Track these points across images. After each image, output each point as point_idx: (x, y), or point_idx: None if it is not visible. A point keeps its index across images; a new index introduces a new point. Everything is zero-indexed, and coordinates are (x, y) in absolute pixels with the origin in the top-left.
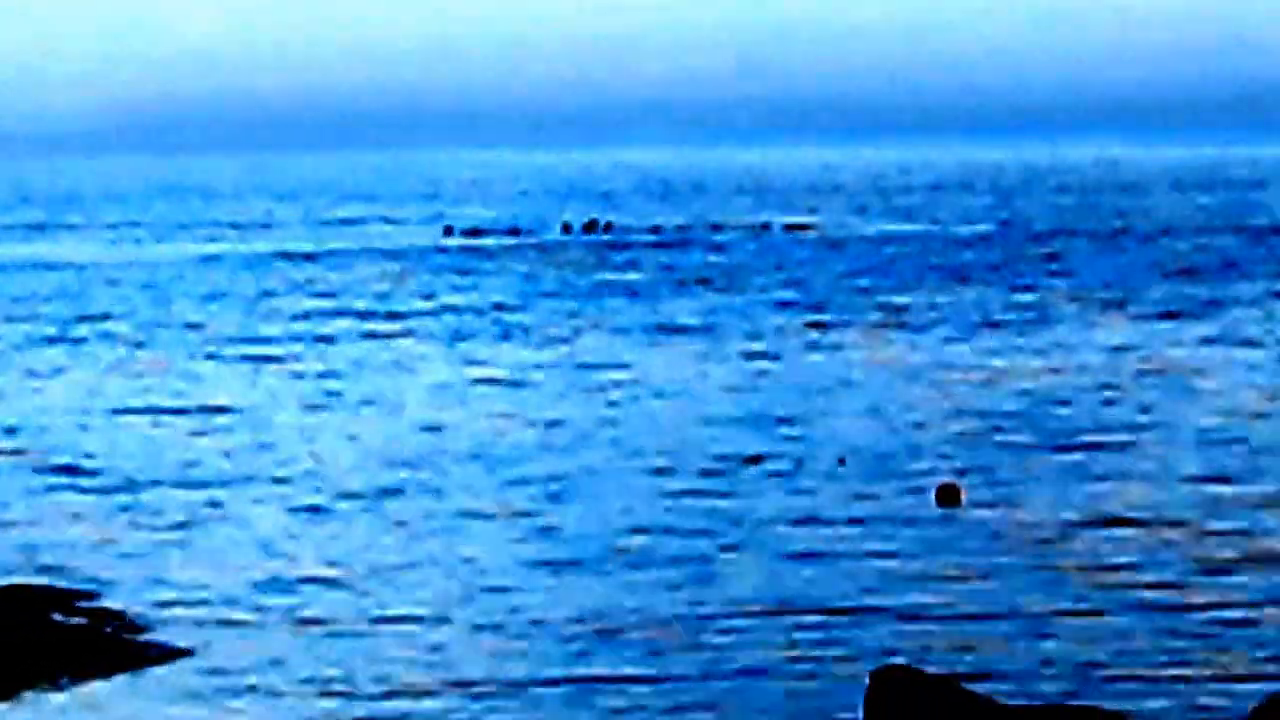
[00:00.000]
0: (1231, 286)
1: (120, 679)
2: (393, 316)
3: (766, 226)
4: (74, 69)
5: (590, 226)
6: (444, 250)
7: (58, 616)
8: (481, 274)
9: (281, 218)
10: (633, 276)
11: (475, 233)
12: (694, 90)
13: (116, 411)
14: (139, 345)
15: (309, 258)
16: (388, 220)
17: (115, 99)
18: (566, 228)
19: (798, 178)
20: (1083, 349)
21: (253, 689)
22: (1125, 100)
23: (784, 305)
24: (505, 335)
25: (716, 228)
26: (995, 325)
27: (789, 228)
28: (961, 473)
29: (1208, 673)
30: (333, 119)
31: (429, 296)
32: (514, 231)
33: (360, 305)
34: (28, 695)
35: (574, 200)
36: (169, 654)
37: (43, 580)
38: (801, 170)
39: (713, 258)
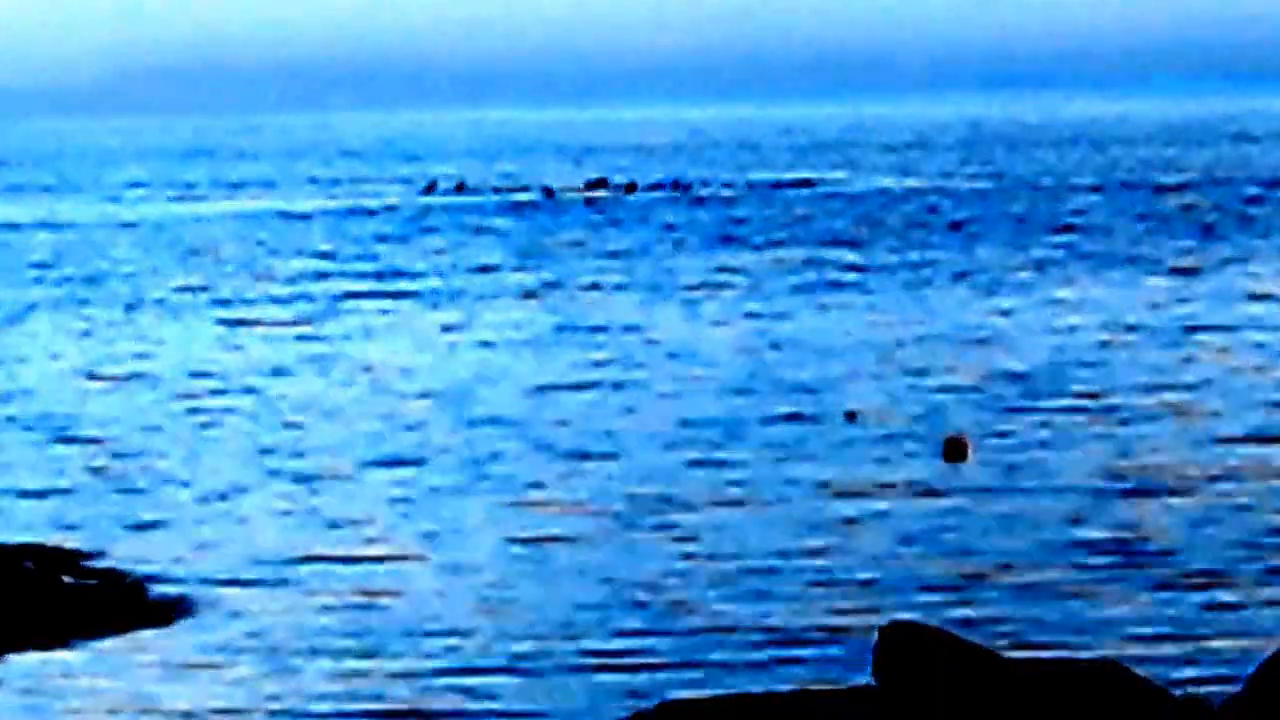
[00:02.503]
0: (1241, 240)
1: (129, 639)
2: (385, 276)
3: (777, 185)
4: (62, 29)
5: (591, 184)
6: (431, 209)
7: (68, 578)
8: (472, 232)
9: (269, 177)
10: (631, 235)
11: (461, 188)
12: (679, 49)
13: (116, 378)
14: (134, 308)
15: (299, 217)
16: (373, 179)
17: (100, 59)
18: (584, 187)
19: (780, 135)
20: (1097, 306)
21: (257, 650)
22: (1098, 52)
23: (786, 262)
24: (500, 295)
25: (716, 184)
26: (1005, 282)
27: (784, 184)
28: (971, 435)
29: (1219, 631)
30: (315, 78)
31: (422, 256)
32: (505, 189)
33: (352, 266)
34: (38, 654)
35: (566, 158)
36: (177, 614)
37: (52, 541)
38: (782, 127)
39: (711, 215)
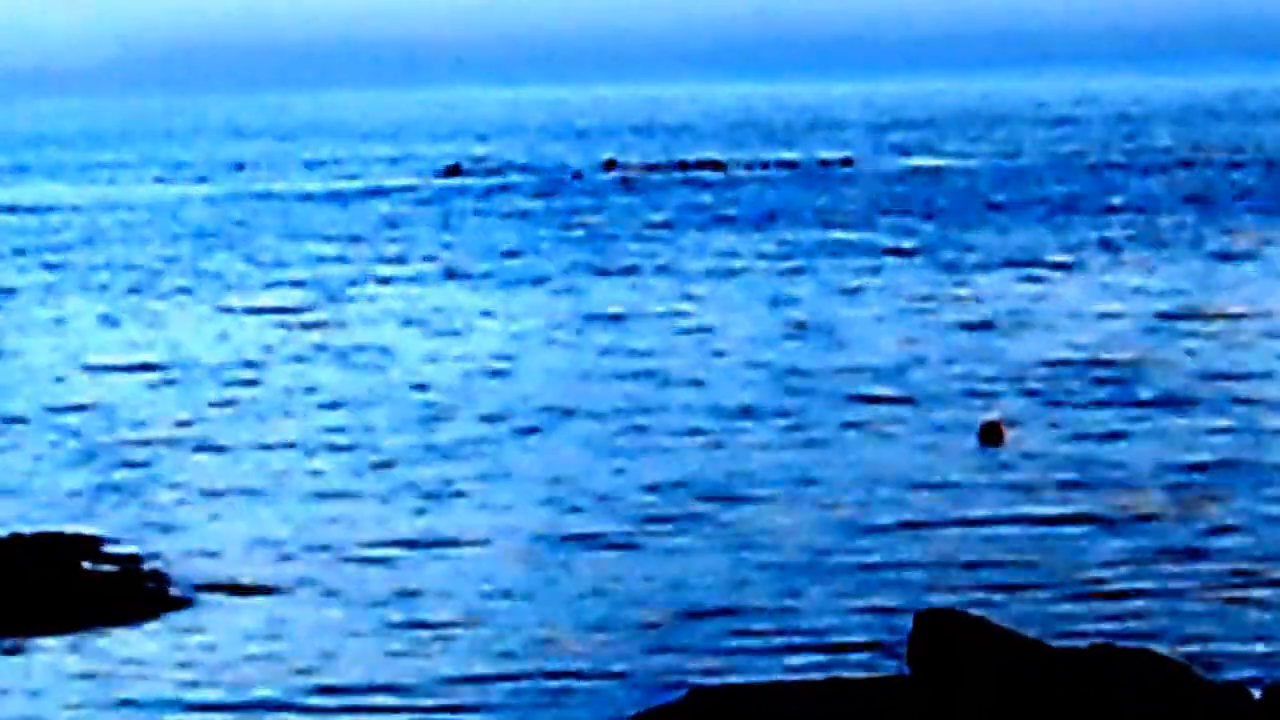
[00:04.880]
0: None
1: (148, 624)
2: (404, 261)
3: (816, 163)
4: (66, 9)
5: (610, 165)
6: (449, 190)
7: (87, 564)
8: (495, 214)
9: (277, 157)
10: (655, 217)
11: (487, 172)
12: (695, 24)
13: (133, 368)
14: (149, 294)
15: (310, 199)
16: (385, 160)
17: (105, 38)
18: (601, 168)
19: (799, 113)
20: (1147, 291)
21: (275, 635)
22: (1112, 27)
23: (823, 244)
24: (527, 280)
25: (746, 165)
26: (1048, 264)
27: (814, 163)
28: (1013, 421)
29: (1260, 621)
30: (325, 56)
31: (441, 239)
32: (526, 170)
33: (370, 250)
34: (58, 640)
35: (582, 138)
36: (196, 600)
37: (72, 529)
38: (796, 105)
39: (743, 195)
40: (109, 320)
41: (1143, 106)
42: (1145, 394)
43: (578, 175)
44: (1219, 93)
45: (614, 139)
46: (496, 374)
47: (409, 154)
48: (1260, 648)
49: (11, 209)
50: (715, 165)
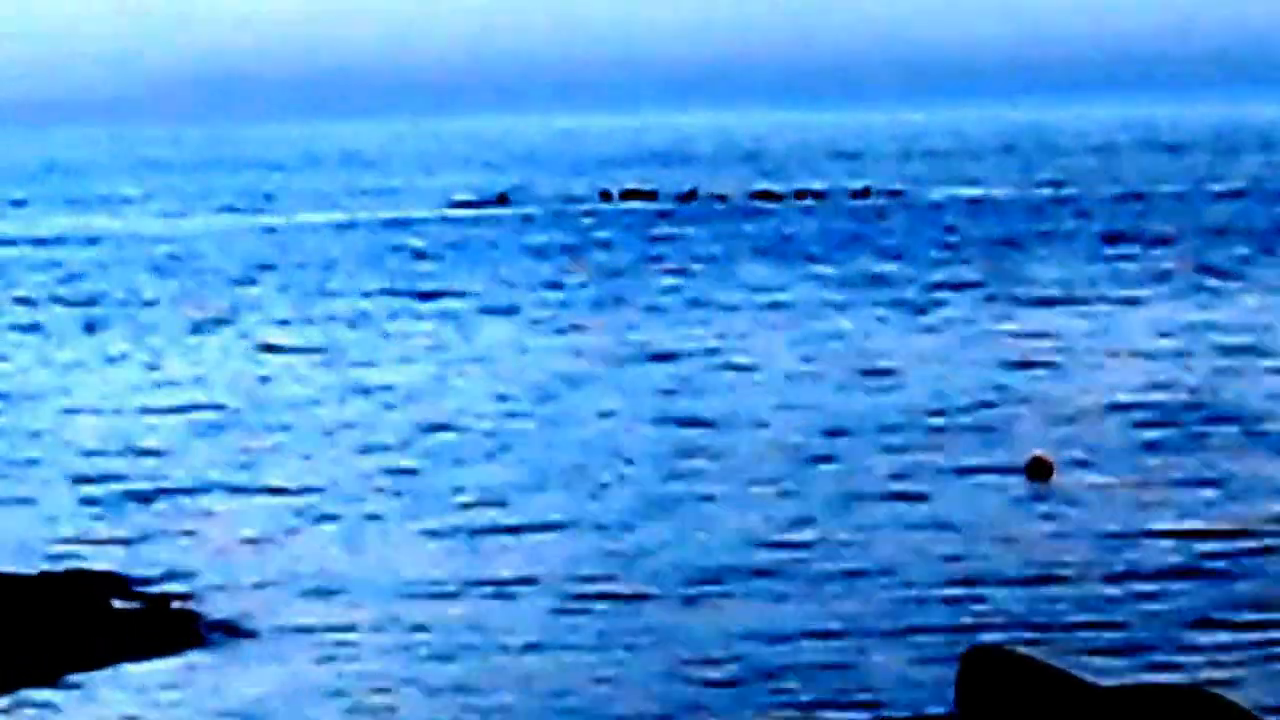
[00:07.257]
0: None
1: (176, 663)
2: (435, 296)
3: (855, 194)
4: (79, 38)
5: (628, 192)
6: (479, 221)
7: (117, 602)
8: (522, 246)
9: (292, 188)
10: (698, 250)
11: (503, 199)
12: (722, 53)
13: (163, 410)
14: (175, 332)
15: (333, 229)
16: (415, 190)
17: (124, 68)
18: (605, 195)
19: (825, 143)
20: (1201, 326)
21: (302, 678)
22: (1135, 58)
23: (870, 278)
24: (561, 316)
25: (766, 195)
26: (1104, 299)
27: (857, 194)
28: (1081, 462)
29: None
30: (353, 86)
31: (469, 272)
32: (566, 198)
33: (400, 284)
34: (88, 679)
35: (602, 168)
36: (224, 640)
37: (102, 567)
38: (836, 134)
39: (786, 228)
40: (137, 357)
41: (1181, 134)
42: (1199, 432)
43: (618, 203)
44: (1265, 121)
45: (649, 169)
46: (537, 416)
47: (439, 185)
48: None
49: (41, 242)
50: (768, 195)
